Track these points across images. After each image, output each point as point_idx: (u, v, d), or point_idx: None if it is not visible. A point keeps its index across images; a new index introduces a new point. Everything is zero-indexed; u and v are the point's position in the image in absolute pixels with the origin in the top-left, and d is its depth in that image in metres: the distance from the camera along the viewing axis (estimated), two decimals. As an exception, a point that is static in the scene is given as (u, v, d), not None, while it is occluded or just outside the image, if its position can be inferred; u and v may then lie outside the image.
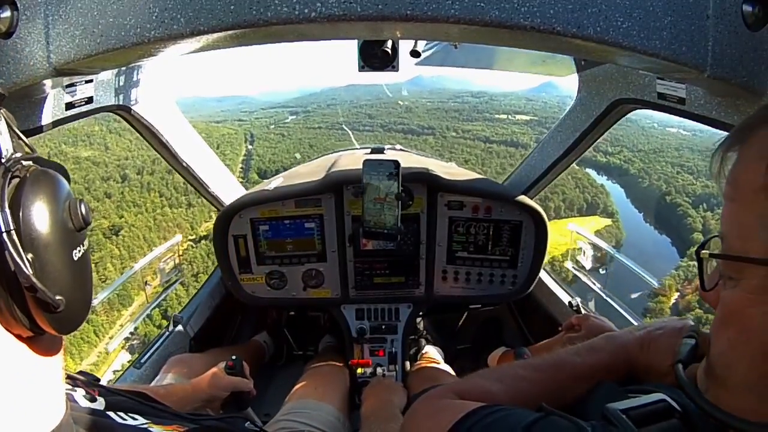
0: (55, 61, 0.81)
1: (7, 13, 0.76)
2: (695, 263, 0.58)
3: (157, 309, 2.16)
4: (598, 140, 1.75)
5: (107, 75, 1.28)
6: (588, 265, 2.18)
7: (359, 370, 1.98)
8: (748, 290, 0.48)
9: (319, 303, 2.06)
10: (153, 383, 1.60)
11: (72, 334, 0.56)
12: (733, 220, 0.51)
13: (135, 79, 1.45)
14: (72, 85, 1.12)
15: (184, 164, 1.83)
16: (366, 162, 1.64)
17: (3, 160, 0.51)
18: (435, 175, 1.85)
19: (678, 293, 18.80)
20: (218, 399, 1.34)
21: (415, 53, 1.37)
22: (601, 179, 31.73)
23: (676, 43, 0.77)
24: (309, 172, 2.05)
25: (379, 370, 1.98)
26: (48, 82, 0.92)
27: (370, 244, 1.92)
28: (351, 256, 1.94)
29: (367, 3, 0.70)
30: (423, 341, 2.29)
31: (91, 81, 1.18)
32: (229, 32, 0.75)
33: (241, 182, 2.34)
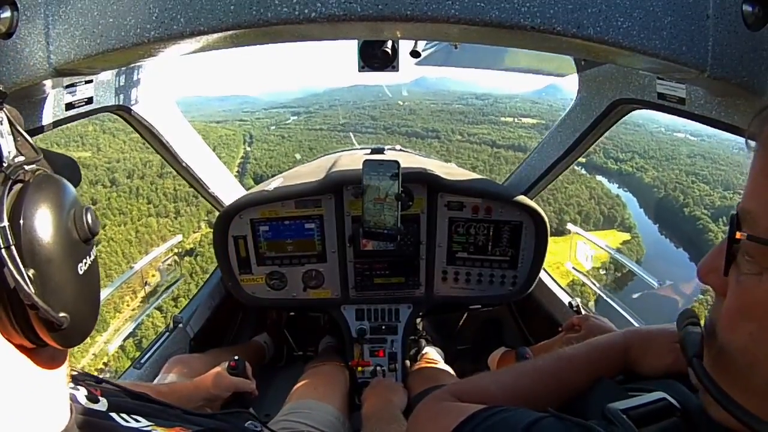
0: (55, 62, 0.81)
1: (7, 14, 0.77)
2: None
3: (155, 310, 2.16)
4: (599, 140, 1.75)
5: (107, 75, 1.28)
6: (588, 265, 2.19)
7: (359, 371, 1.98)
8: None
9: (319, 303, 2.05)
10: (154, 383, 1.60)
11: None
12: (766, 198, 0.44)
13: (135, 79, 1.45)
14: (72, 85, 1.12)
15: (183, 164, 1.83)
16: (366, 162, 1.64)
17: (4, 165, 0.48)
18: (435, 176, 1.85)
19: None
20: (220, 399, 1.34)
21: (415, 53, 1.37)
22: (615, 189, 30.40)
23: (676, 43, 0.77)
24: (309, 172, 2.05)
25: (379, 370, 1.98)
26: (48, 83, 0.92)
27: (370, 245, 1.92)
28: (351, 257, 1.93)
29: (367, 3, 0.70)
30: (423, 342, 2.29)
31: (91, 81, 1.18)
32: (229, 32, 0.75)
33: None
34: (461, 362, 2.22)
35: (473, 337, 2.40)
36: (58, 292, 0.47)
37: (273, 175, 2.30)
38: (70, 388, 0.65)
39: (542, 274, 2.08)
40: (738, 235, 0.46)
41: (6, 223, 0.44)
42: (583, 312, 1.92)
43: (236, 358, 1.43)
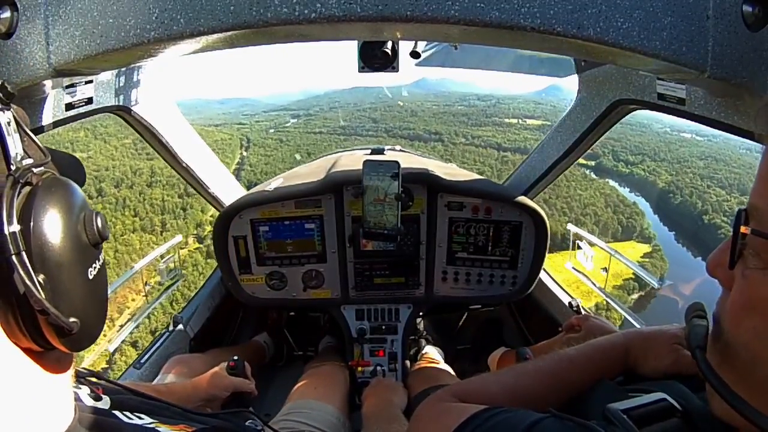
0: (55, 62, 0.81)
1: (7, 14, 0.76)
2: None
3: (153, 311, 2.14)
4: (599, 141, 1.75)
5: (107, 75, 1.28)
6: (588, 266, 2.18)
7: (359, 371, 1.98)
8: None
9: (319, 303, 2.05)
10: (153, 383, 1.60)
11: None
12: None
13: (135, 79, 1.45)
14: (72, 85, 1.12)
15: (184, 165, 1.83)
16: (366, 163, 1.64)
17: (12, 168, 0.47)
18: (435, 176, 1.85)
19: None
20: (219, 399, 1.34)
21: (415, 54, 1.37)
22: (631, 195, 28.68)
23: (676, 43, 0.77)
24: (309, 172, 2.05)
25: (379, 370, 1.98)
26: (48, 83, 0.92)
27: (370, 245, 1.92)
28: (351, 257, 1.94)
29: (367, 4, 0.70)
30: (423, 341, 2.30)
31: (91, 81, 1.18)
32: (229, 33, 0.75)
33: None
34: (461, 362, 2.22)
35: (473, 337, 2.40)
36: (68, 297, 0.47)
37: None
38: (73, 386, 0.65)
39: (542, 274, 2.08)
40: (743, 229, 0.46)
41: (16, 227, 0.43)
42: (583, 312, 1.92)
43: (235, 358, 1.43)
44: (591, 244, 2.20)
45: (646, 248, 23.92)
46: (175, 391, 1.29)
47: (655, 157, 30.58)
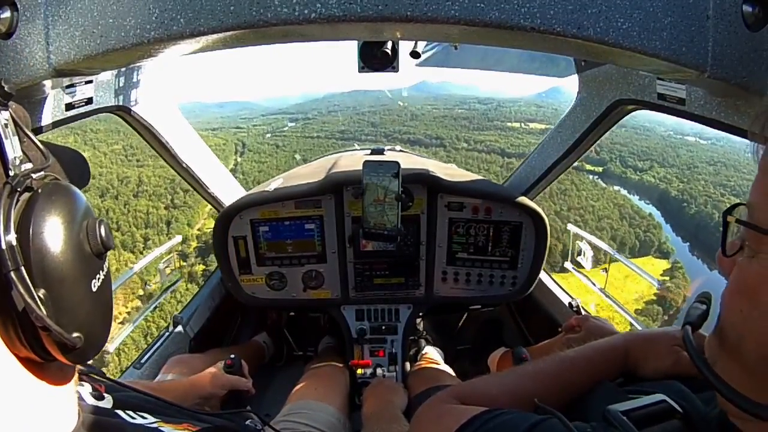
0: (55, 62, 0.81)
1: (7, 14, 0.76)
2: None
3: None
4: (599, 141, 1.75)
5: (107, 75, 1.28)
6: (588, 266, 2.18)
7: (359, 371, 1.98)
8: (765, 265, 0.47)
9: (319, 304, 2.05)
10: (151, 383, 1.60)
11: None
12: (764, 192, 0.50)
13: (135, 79, 1.45)
14: (72, 85, 1.12)
15: (183, 165, 1.83)
16: (366, 163, 1.64)
17: (10, 174, 0.44)
18: (435, 176, 1.85)
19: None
20: (216, 397, 1.34)
21: (415, 54, 1.37)
22: (644, 204, 27.23)
23: (676, 43, 0.77)
24: (309, 173, 2.05)
25: (379, 370, 1.98)
26: (48, 83, 0.92)
27: (370, 245, 1.92)
28: (351, 257, 1.93)
29: (367, 4, 0.70)
30: (423, 342, 2.29)
31: (91, 82, 1.18)
32: (229, 33, 0.75)
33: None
34: (461, 362, 2.22)
35: (473, 337, 2.40)
36: (71, 311, 0.45)
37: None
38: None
39: (542, 275, 2.08)
40: (729, 219, 0.53)
41: (14, 240, 0.40)
42: (583, 312, 1.92)
43: (232, 356, 1.43)
44: (591, 244, 2.20)
45: (664, 264, 22.93)
46: (172, 389, 1.29)
47: (663, 163, 29.65)
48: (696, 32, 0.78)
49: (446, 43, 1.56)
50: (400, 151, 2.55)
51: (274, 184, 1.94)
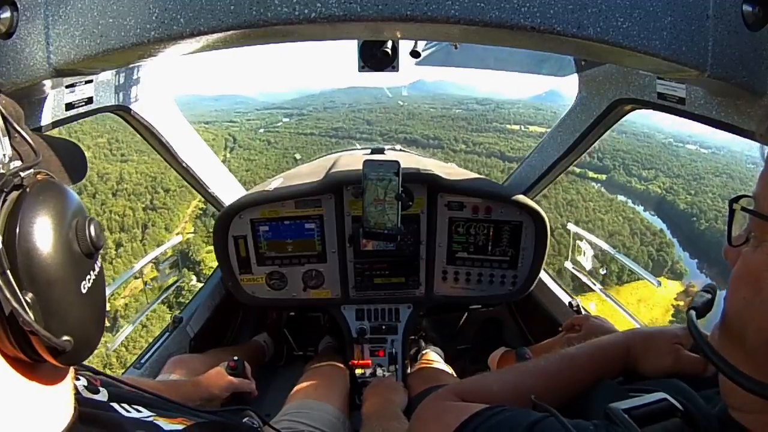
0: (55, 62, 0.81)
1: (7, 14, 0.77)
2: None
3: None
4: (598, 141, 1.75)
5: (107, 75, 1.28)
6: (588, 265, 2.18)
7: (359, 371, 1.98)
8: None
9: (319, 303, 2.05)
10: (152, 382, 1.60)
11: None
12: None
13: (135, 79, 1.45)
14: (72, 85, 1.12)
15: (183, 164, 1.84)
16: (366, 162, 1.64)
17: None
18: (435, 176, 1.85)
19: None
20: (218, 399, 1.34)
21: (415, 53, 1.37)
22: (651, 217, 25.72)
23: (676, 43, 0.77)
24: (309, 172, 2.05)
25: (379, 370, 1.98)
26: (48, 83, 0.92)
27: (370, 245, 1.92)
28: (351, 257, 1.93)
29: (367, 4, 0.70)
30: (423, 342, 2.29)
31: (91, 81, 1.18)
32: (229, 33, 0.75)
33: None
34: (461, 362, 2.22)
35: (473, 337, 2.40)
36: (60, 315, 0.44)
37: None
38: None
39: (542, 274, 2.09)
40: (735, 206, 0.54)
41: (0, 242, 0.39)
42: (583, 312, 1.92)
43: (235, 358, 1.43)
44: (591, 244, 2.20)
45: (678, 287, 21.35)
46: (175, 390, 1.29)
47: (668, 173, 28.44)
48: (696, 32, 0.78)
49: (446, 43, 1.56)
50: (401, 150, 2.55)
51: (274, 183, 1.94)
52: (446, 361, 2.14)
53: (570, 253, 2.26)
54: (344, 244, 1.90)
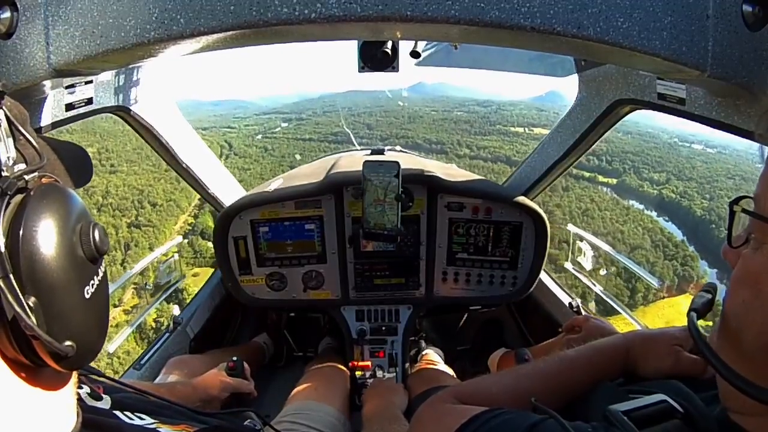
0: (54, 62, 0.81)
1: (7, 14, 0.76)
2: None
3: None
4: (599, 141, 1.75)
5: (107, 76, 1.28)
6: (588, 266, 2.18)
7: (359, 372, 1.98)
8: None
9: (319, 304, 2.05)
10: (153, 384, 1.60)
11: None
12: None
13: (135, 79, 1.45)
14: (72, 85, 1.12)
15: (183, 165, 1.84)
16: (366, 163, 1.64)
17: (1, 177, 0.43)
18: (435, 177, 1.85)
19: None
20: (218, 400, 1.34)
21: (415, 54, 1.37)
22: (668, 224, 24.17)
23: (676, 43, 0.77)
24: (309, 173, 2.05)
25: (379, 371, 1.98)
26: (48, 83, 0.92)
27: (370, 246, 1.92)
28: (351, 258, 1.93)
29: (367, 4, 0.70)
30: (423, 342, 2.29)
31: (90, 82, 1.18)
32: (229, 33, 0.75)
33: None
34: (461, 363, 2.21)
35: (473, 337, 2.39)
36: (62, 320, 0.43)
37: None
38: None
39: (542, 275, 2.08)
40: (735, 208, 0.54)
41: (2, 247, 0.39)
42: (583, 313, 1.92)
43: (235, 359, 1.43)
44: (591, 245, 2.20)
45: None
46: (174, 392, 1.29)
47: (680, 176, 26.98)
48: (696, 32, 0.78)
49: (446, 43, 1.56)
50: (401, 151, 2.55)
51: (274, 184, 1.94)
52: (446, 362, 2.13)
53: (570, 254, 2.26)
54: (344, 245, 1.90)
